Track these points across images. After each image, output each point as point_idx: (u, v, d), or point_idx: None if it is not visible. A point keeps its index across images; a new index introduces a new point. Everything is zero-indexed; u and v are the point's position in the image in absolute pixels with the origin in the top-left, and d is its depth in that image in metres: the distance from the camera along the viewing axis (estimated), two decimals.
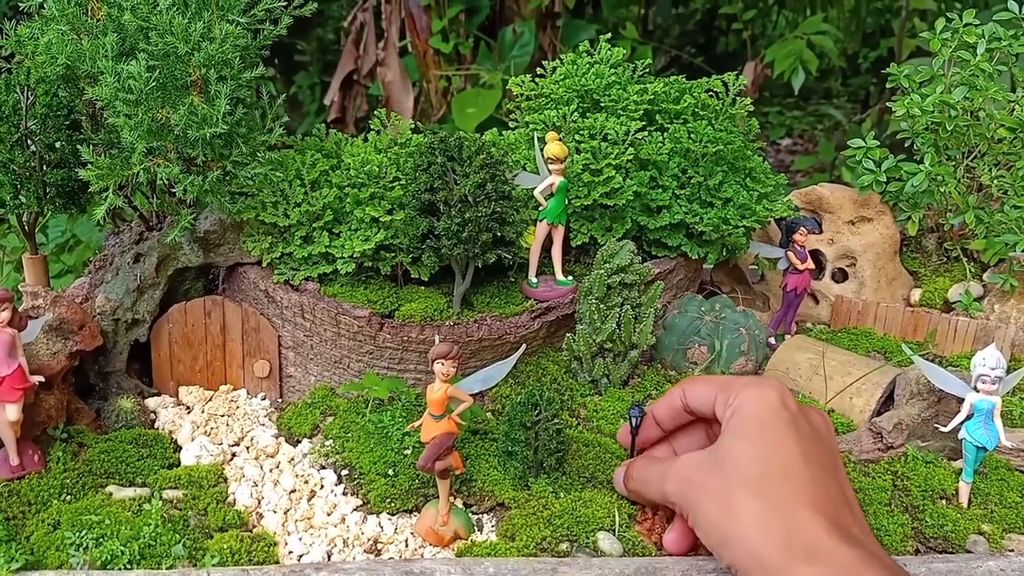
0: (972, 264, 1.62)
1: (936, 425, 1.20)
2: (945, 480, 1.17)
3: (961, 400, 1.15)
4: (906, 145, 1.61)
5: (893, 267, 1.64)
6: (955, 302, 1.56)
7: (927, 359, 1.26)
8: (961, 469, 1.16)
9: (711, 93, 1.50)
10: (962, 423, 1.14)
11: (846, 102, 6.12)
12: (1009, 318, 1.50)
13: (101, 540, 0.99)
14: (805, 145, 5.72)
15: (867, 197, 1.63)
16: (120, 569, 0.97)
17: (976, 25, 1.55)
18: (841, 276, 1.65)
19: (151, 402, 1.31)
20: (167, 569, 0.98)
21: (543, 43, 3.85)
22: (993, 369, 1.11)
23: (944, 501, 1.15)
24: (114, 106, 1.12)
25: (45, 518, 1.03)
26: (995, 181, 1.49)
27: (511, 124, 1.54)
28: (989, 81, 1.48)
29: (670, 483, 0.98)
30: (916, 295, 1.62)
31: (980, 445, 1.13)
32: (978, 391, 1.12)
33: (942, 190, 1.54)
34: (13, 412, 1.04)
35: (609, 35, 1.53)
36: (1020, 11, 1.58)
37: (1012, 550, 1.09)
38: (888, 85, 1.60)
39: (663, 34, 5.95)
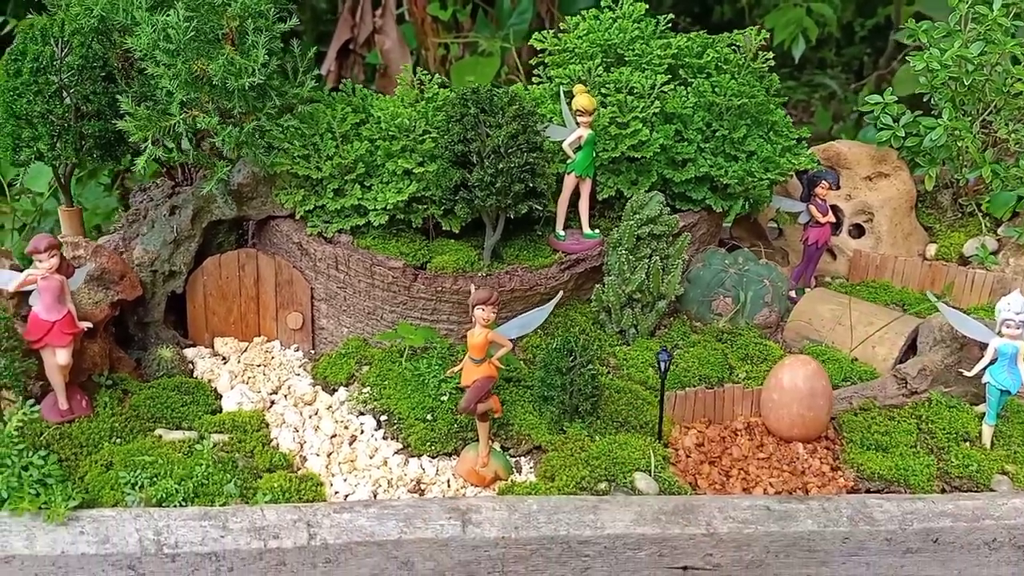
0: (986, 219, 1.64)
1: (960, 371, 1.24)
2: (968, 423, 1.21)
3: (983, 347, 1.19)
4: (917, 105, 1.63)
5: (909, 222, 1.67)
6: (971, 256, 1.59)
7: None
8: (984, 413, 1.20)
9: (733, 47, 1.51)
10: (986, 367, 1.17)
11: (840, 72, 6.11)
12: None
13: (155, 479, 1.02)
14: (800, 115, 5.73)
15: (884, 153, 1.65)
16: (176, 506, 1.00)
17: None
18: (857, 232, 1.68)
19: (188, 352, 1.33)
20: (221, 506, 1.01)
21: (540, 11, 3.84)
22: (1018, 314, 1.14)
23: (968, 443, 1.19)
24: (153, 56, 1.13)
25: (97, 459, 1.06)
26: (1012, 135, 1.51)
27: (534, 80, 1.55)
28: (1006, 36, 1.50)
29: None
30: (932, 250, 1.65)
31: (1004, 388, 1.16)
32: (1002, 336, 1.15)
33: (959, 145, 1.56)
34: (63, 356, 1.06)
35: (607, 9, 1.53)
36: None
37: None
38: (907, 40, 1.61)
39: (658, 3, 5.93)
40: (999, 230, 1.62)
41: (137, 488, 1.01)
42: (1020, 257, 1.56)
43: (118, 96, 1.19)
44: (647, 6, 1.52)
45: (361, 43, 3.98)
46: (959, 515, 1.07)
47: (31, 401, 1.03)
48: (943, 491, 1.13)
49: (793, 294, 1.50)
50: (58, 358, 1.06)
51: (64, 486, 0.99)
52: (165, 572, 0.96)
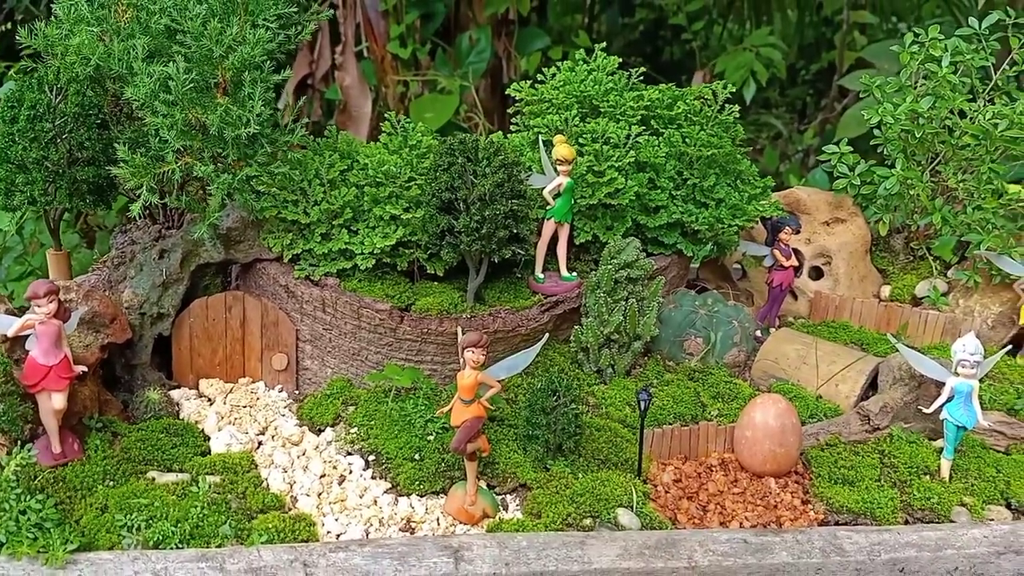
0: (936, 262, 1.74)
1: (919, 408, 1.31)
2: (928, 458, 1.28)
3: (940, 385, 1.26)
4: (859, 147, 1.73)
5: (864, 265, 1.76)
6: (923, 297, 1.68)
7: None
8: (942, 448, 1.27)
9: (702, 100, 1.59)
10: (943, 405, 1.25)
11: (785, 112, 6.33)
12: (973, 311, 1.62)
13: (151, 522, 1.04)
14: (749, 154, 5.92)
15: (841, 199, 1.74)
16: (173, 548, 1.01)
17: (941, 40, 1.67)
18: (816, 274, 1.76)
19: (174, 394, 1.35)
20: (217, 547, 1.02)
21: (498, 49, 3.91)
22: (972, 355, 1.22)
23: (928, 477, 1.26)
24: (152, 105, 1.16)
25: (92, 502, 1.07)
26: (960, 184, 1.61)
27: (512, 128, 1.61)
28: (954, 92, 1.61)
29: None
30: (886, 291, 1.74)
31: (960, 424, 1.24)
32: (958, 375, 1.23)
33: (911, 193, 1.65)
34: (59, 400, 1.07)
35: (561, 50, 1.61)
36: (980, 27, 1.70)
37: (992, 519, 1.21)
38: (861, 93, 1.71)
39: (608, 43, 6.09)
40: (948, 273, 1.72)
41: (134, 530, 1.03)
42: (969, 298, 1.65)
43: (111, 143, 1.22)
44: (619, 59, 1.60)
45: (319, 78, 4.00)
46: (923, 545, 1.13)
47: (29, 445, 1.04)
48: (907, 522, 1.20)
49: (759, 334, 1.57)
50: (54, 402, 1.07)
51: (61, 530, 1.00)
52: None
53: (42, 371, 1.06)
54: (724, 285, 1.74)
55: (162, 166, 1.21)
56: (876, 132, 1.69)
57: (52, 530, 1.00)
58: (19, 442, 1.07)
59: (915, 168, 1.68)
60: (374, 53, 3.77)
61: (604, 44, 1.66)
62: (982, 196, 1.59)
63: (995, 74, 1.69)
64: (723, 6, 5.33)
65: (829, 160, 1.73)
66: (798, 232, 1.65)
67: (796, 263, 1.57)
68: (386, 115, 1.50)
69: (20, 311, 1.15)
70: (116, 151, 1.20)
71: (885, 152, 1.73)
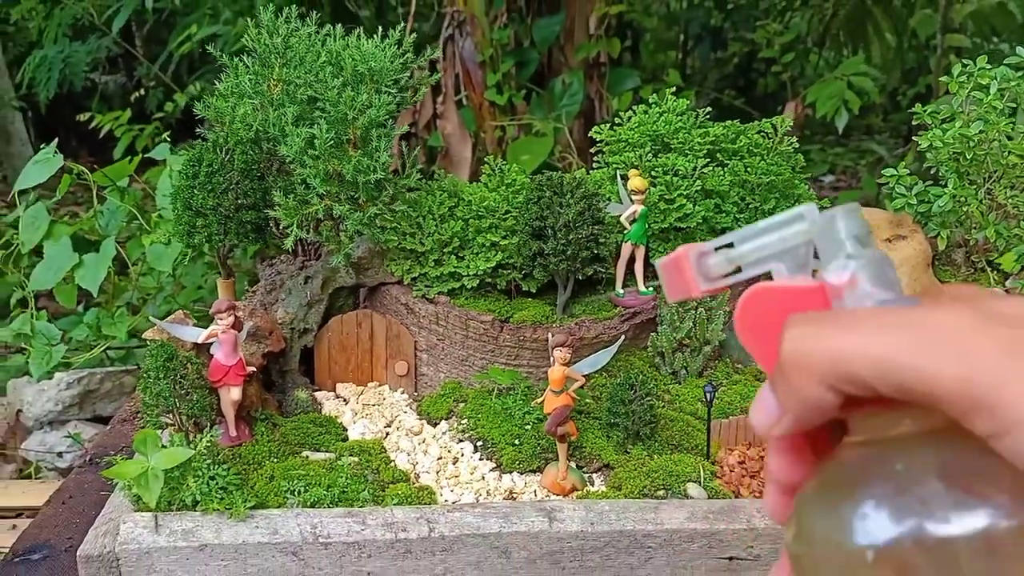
0: (996, 273, 1.87)
1: None
2: None
3: None
4: (931, 172, 1.88)
5: (927, 278, 1.90)
6: None
7: None
8: None
9: (762, 134, 1.79)
10: None
11: (888, 137, 6.32)
12: None
13: (308, 488, 1.30)
14: (848, 181, 5.93)
15: (901, 218, 1.90)
16: (326, 507, 1.27)
17: (989, 69, 1.83)
18: None
19: (317, 395, 1.63)
20: (360, 507, 1.28)
21: (590, 91, 4.12)
22: None
23: None
24: (301, 160, 1.45)
25: (262, 473, 1.34)
26: (1010, 200, 1.76)
27: (594, 165, 1.85)
28: (1000, 117, 1.76)
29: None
30: None
31: None
32: None
33: (965, 209, 1.80)
34: (236, 393, 1.36)
35: (652, 88, 1.83)
36: None
37: None
38: (914, 122, 1.88)
39: (702, 78, 6.23)
40: (1007, 282, 1.85)
41: (295, 494, 1.30)
42: None
43: (268, 191, 1.53)
44: (688, 101, 1.82)
45: (422, 127, 4.32)
46: None
47: (216, 427, 1.33)
48: None
49: None
50: (232, 395, 1.36)
51: (241, 492, 1.28)
52: (319, 556, 1.24)
53: (224, 370, 1.35)
54: None
55: (308, 208, 1.50)
56: (928, 156, 1.84)
57: (234, 492, 1.28)
58: (207, 426, 1.36)
59: (969, 187, 1.82)
60: (473, 101, 4.02)
61: (697, 79, 1.88)
62: None
63: None
64: (818, 35, 5.40)
65: (888, 182, 1.90)
66: None
67: None
68: (486, 159, 1.77)
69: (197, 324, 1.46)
70: (272, 197, 1.50)
71: (939, 174, 1.88)
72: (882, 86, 5.57)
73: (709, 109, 1.82)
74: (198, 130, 1.61)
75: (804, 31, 5.26)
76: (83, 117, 3.49)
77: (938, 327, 0.36)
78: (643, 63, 5.73)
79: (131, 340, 2.57)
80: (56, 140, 2.28)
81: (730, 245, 0.46)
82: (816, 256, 0.43)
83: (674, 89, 1.86)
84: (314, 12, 1.65)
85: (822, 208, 0.43)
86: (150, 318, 1.46)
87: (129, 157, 2.53)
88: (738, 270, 0.46)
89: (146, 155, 2.57)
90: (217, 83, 1.63)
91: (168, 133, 2.52)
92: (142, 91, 4.70)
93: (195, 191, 1.50)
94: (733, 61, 6.22)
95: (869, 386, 0.37)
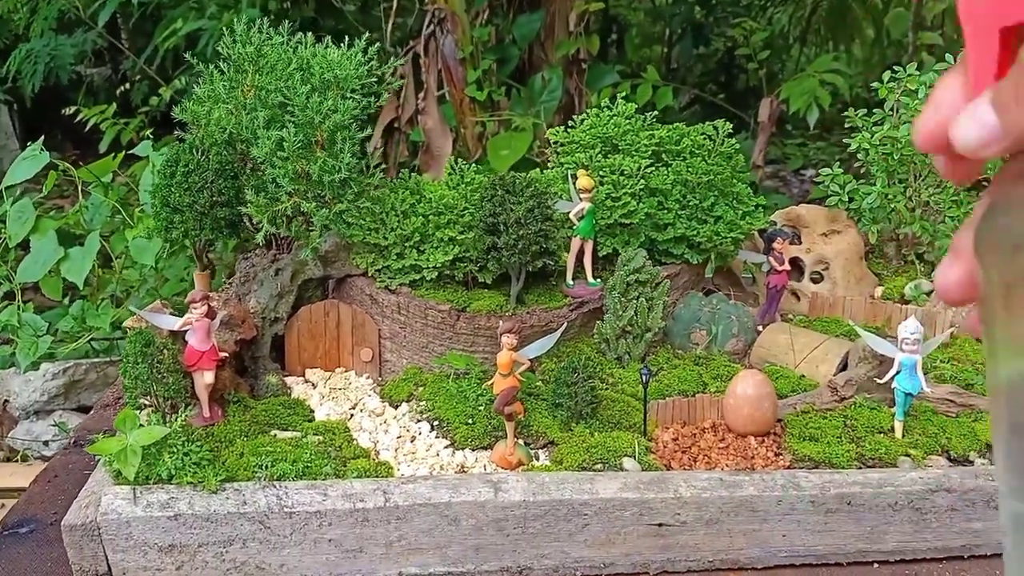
0: (924, 265, 2.01)
1: (876, 380, 1.60)
2: (884, 420, 1.57)
3: (892, 360, 1.55)
4: (862, 171, 2.02)
5: (860, 269, 2.04)
6: (908, 296, 1.96)
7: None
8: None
9: (705, 136, 1.92)
10: (894, 376, 1.54)
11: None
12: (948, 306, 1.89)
13: (275, 463, 1.42)
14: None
15: (836, 213, 2.04)
16: (291, 480, 1.40)
17: (918, 75, 1.96)
18: (819, 278, 2.05)
19: (287, 379, 1.75)
20: (322, 480, 1.40)
21: (570, 87, 4.21)
22: (912, 334, 1.51)
23: (883, 435, 1.55)
24: (271, 161, 1.57)
25: (233, 450, 1.46)
26: (932, 198, 1.89)
27: (549, 164, 1.97)
28: None
29: None
30: (879, 292, 2.02)
31: (907, 391, 1.52)
32: (903, 351, 1.52)
33: (893, 206, 1.94)
34: (209, 377, 1.48)
35: (630, 84, 1.95)
36: (955, 61, 1.98)
37: (930, 465, 1.48)
38: (847, 124, 2.01)
39: (686, 72, 6.34)
40: (933, 274, 1.98)
41: (263, 468, 1.42)
42: None
43: (241, 189, 1.64)
44: (636, 105, 1.94)
45: (405, 122, 4.40)
46: (867, 483, 1.42)
47: (190, 408, 1.45)
48: (859, 467, 1.49)
49: (760, 327, 1.87)
50: (206, 378, 1.48)
51: (213, 467, 1.40)
52: (284, 525, 1.36)
53: (197, 355, 1.47)
54: (736, 289, 2.05)
55: (278, 205, 1.62)
56: (859, 156, 1.98)
57: (206, 467, 1.40)
58: (182, 407, 1.48)
59: (898, 186, 1.96)
60: (453, 97, 4.09)
61: (681, 74, 1.99)
62: (950, 208, 1.86)
63: None
64: (801, 30, 5.48)
65: (823, 181, 2.03)
66: (797, 243, 1.96)
67: (789, 268, 1.88)
68: (448, 160, 1.89)
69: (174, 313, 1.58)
70: (245, 195, 1.62)
71: (871, 172, 2.01)
72: (864, 80, 5.69)
73: (655, 113, 1.95)
74: (178, 132, 1.72)
75: (786, 26, 5.35)
76: (68, 111, 3.59)
77: None
78: (628, 57, 5.82)
79: (115, 331, 2.68)
80: (43, 138, 2.39)
81: None
82: None
83: (651, 89, 1.98)
84: (287, 21, 1.76)
85: None
86: (131, 309, 1.58)
87: (113, 154, 2.64)
88: None
89: (129, 151, 2.68)
90: (201, 79, 1.74)
91: (152, 129, 2.63)
92: (127, 85, 4.78)
93: (172, 189, 1.62)
94: (715, 57, 6.32)
95: None
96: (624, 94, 1.92)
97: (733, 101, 5.58)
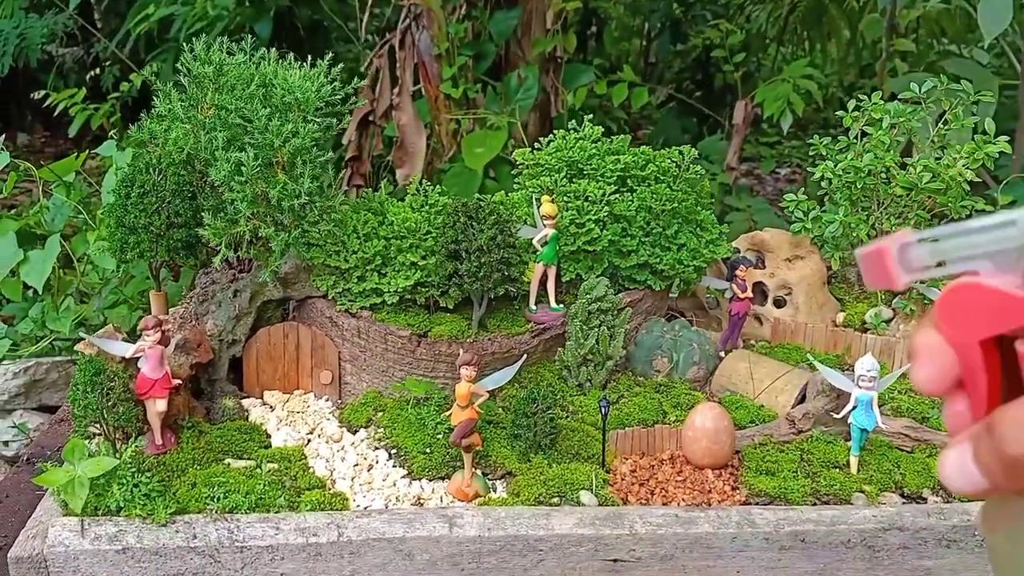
0: (884, 293, 2.02)
1: (832, 414, 1.61)
2: (840, 455, 1.58)
3: (850, 395, 1.56)
4: (825, 197, 2.02)
5: (823, 295, 2.05)
6: (869, 323, 1.97)
7: (843, 368, 1.67)
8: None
9: (671, 162, 1.92)
10: (850, 411, 1.55)
11: (843, 132, 6.45)
12: (909, 335, 1.90)
13: (227, 494, 1.41)
14: (804, 174, 6.08)
15: (799, 239, 2.04)
16: (243, 513, 1.38)
17: (882, 104, 1.97)
18: (782, 302, 2.06)
19: (245, 402, 1.73)
20: (275, 513, 1.39)
21: (546, 86, 4.18)
22: (868, 371, 1.52)
23: (838, 469, 1.56)
24: (229, 184, 1.55)
25: (185, 480, 1.44)
26: (894, 228, 1.90)
27: (515, 186, 1.96)
28: (886, 152, 1.90)
29: None
30: (840, 318, 2.03)
31: (863, 427, 1.53)
32: (860, 387, 1.53)
33: (855, 234, 1.95)
34: (162, 405, 1.46)
35: (607, 82, 1.92)
36: (919, 90, 1.99)
37: (884, 503, 1.50)
38: (811, 152, 2.02)
39: (664, 67, 6.34)
40: (893, 301, 2.00)
41: (215, 500, 1.40)
42: (907, 323, 1.93)
43: (199, 210, 1.61)
44: (602, 129, 1.94)
45: (380, 116, 4.35)
46: (821, 521, 1.43)
47: (140, 438, 1.42)
48: (814, 504, 1.50)
49: (723, 354, 1.88)
50: (158, 406, 1.46)
51: (163, 498, 1.38)
52: (236, 559, 1.35)
53: (149, 383, 1.44)
54: (699, 314, 2.06)
55: (236, 227, 1.59)
56: (822, 184, 1.98)
57: (156, 498, 1.37)
58: (134, 435, 1.45)
59: (860, 213, 1.97)
60: (428, 93, 4.04)
61: (660, 70, 1.96)
62: None
63: (932, 131, 1.98)
64: (778, 29, 5.47)
65: (788, 207, 2.04)
66: (761, 267, 1.97)
67: (751, 295, 1.88)
68: (410, 179, 1.87)
69: (127, 338, 1.55)
70: (203, 217, 1.59)
71: (834, 200, 2.02)
72: (840, 80, 5.70)
73: (624, 136, 1.94)
74: (135, 152, 1.69)
75: (763, 24, 5.35)
76: (38, 95, 3.51)
77: None
78: (607, 51, 5.79)
79: (77, 331, 2.64)
80: (3, 136, 2.33)
81: (935, 240, 0.47)
82: None
83: (625, 89, 1.96)
84: (249, 36, 1.73)
85: None
86: (82, 335, 1.54)
87: (76, 153, 2.59)
88: (940, 264, 0.47)
89: (93, 151, 2.63)
90: (176, 64, 1.69)
91: (120, 116, 2.57)
92: (99, 69, 4.69)
93: (128, 209, 1.59)
94: (693, 54, 6.31)
95: None
96: (602, 93, 1.90)
97: (709, 100, 5.59)
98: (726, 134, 4.43)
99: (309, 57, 1.66)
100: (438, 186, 1.84)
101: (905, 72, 4.21)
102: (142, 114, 1.72)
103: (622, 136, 1.95)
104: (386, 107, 4.27)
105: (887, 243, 0.49)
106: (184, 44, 1.66)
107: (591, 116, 1.97)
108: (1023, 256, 0.43)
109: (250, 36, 1.74)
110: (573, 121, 1.97)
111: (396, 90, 4.21)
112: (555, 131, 1.97)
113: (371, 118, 4.33)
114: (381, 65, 4.45)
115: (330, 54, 1.67)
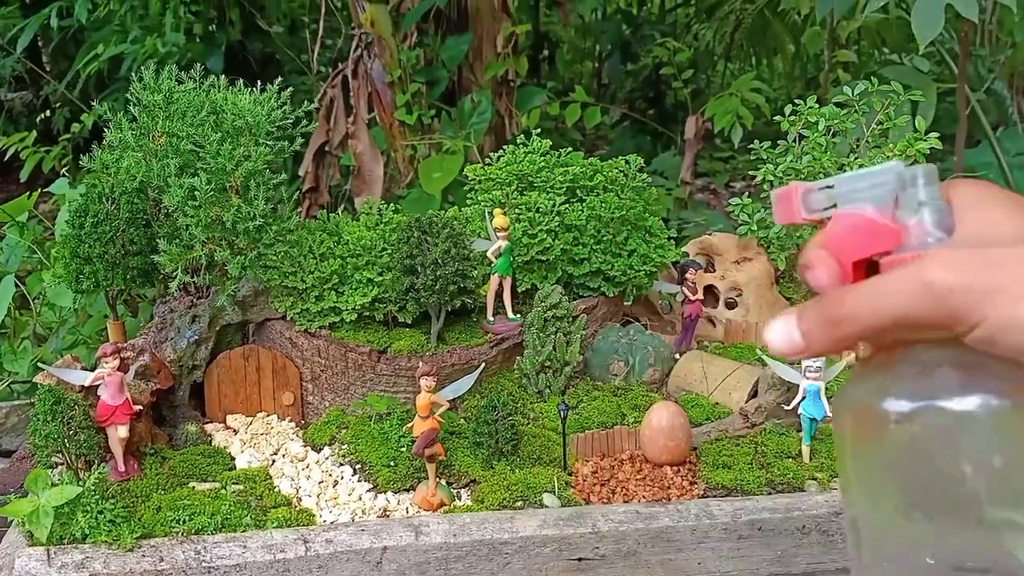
0: None
1: (784, 406, 1.66)
2: (792, 445, 1.63)
3: (799, 387, 1.62)
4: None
5: (772, 295, 2.12)
6: None
7: (792, 362, 1.73)
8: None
9: (618, 171, 1.97)
10: (799, 402, 1.60)
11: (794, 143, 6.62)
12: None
13: (192, 516, 1.41)
14: (759, 187, 6.19)
15: (747, 241, 2.11)
16: (209, 534, 1.39)
17: (817, 108, 2.05)
18: (733, 303, 2.12)
19: (207, 427, 1.73)
20: (241, 532, 1.40)
21: (500, 108, 4.23)
22: (814, 362, 1.57)
23: (791, 459, 1.61)
24: (183, 210, 1.57)
25: (150, 505, 1.45)
26: None
27: (467, 201, 2.00)
28: (823, 153, 1.98)
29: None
30: None
31: (812, 417, 1.59)
32: (807, 378, 1.58)
33: (799, 235, 2.02)
34: (123, 431, 1.46)
35: (559, 103, 1.97)
36: (852, 93, 2.07)
37: (835, 488, 1.55)
38: (752, 156, 2.09)
39: (617, 87, 6.45)
40: None
41: (180, 523, 1.41)
42: None
43: (154, 237, 1.63)
44: (550, 142, 1.99)
45: (336, 146, 4.36)
46: (776, 509, 1.48)
47: (103, 465, 1.42)
48: (769, 493, 1.54)
49: (677, 356, 1.93)
50: (119, 432, 1.46)
51: (128, 524, 1.38)
52: None
53: (110, 410, 1.45)
54: (653, 318, 2.11)
55: (192, 253, 1.61)
56: (764, 187, 2.05)
57: (122, 524, 1.38)
58: (96, 463, 1.46)
59: None
60: (383, 121, 4.06)
61: (612, 90, 2.02)
62: None
63: (865, 132, 2.06)
64: (725, 46, 5.59)
65: (734, 210, 2.10)
66: (711, 271, 2.02)
67: (702, 298, 1.94)
68: (365, 200, 1.90)
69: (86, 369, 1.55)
70: (158, 244, 1.61)
71: None
72: (787, 93, 5.84)
73: (571, 150, 1.99)
74: (87, 181, 1.70)
75: (711, 42, 5.47)
76: None
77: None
78: (560, 73, 5.88)
79: (35, 372, 2.61)
80: None
81: (830, 187, 0.56)
82: (896, 202, 0.53)
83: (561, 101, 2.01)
84: (202, 66, 1.75)
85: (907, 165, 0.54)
86: (40, 365, 1.55)
87: (28, 193, 2.58)
88: (834, 205, 0.56)
89: (45, 190, 2.62)
90: (126, 103, 1.71)
91: (71, 157, 2.57)
92: (49, 111, 4.66)
93: (82, 240, 1.60)
94: (643, 73, 6.43)
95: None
96: (555, 114, 1.95)
97: (662, 118, 5.70)
98: (679, 149, 4.52)
99: (259, 82, 1.70)
100: (391, 204, 1.87)
101: (847, 81, 4.32)
102: (94, 145, 1.73)
103: (570, 149, 2.00)
104: (342, 136, 4.29)
105: (794, 186, 0.58)
106: (133, 75, 1.68)
107: (545, 139, 2.02)
108: (894, 198, 0.53)
109: (202, 70, 1.76)
110: (521, 136, 2.02)
111: (351, 119, 4.23)
112: (504, 146, 2.02)
113: (327, 148, 4.35)
114: (335, 95, 4.48)
115: (281, 80, 1.70)
